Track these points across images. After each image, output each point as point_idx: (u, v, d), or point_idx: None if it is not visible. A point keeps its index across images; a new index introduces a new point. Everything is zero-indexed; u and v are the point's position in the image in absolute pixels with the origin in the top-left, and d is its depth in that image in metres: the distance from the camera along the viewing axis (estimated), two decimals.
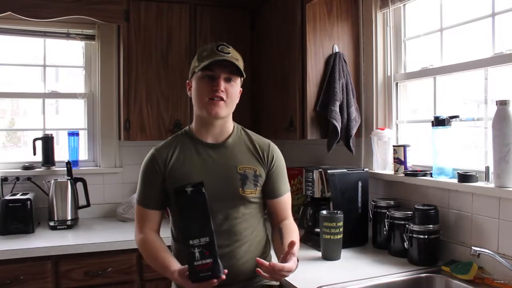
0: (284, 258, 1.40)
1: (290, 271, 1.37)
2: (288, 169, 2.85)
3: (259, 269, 1.35)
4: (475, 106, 2.03)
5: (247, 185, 1.57)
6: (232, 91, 1.56)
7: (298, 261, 1.42)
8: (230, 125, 1.66)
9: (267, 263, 1.34)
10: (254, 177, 1.59)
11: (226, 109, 1.56)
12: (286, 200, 1.70)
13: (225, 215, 1.55)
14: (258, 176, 1.60)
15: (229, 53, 1.53)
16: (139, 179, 1.63)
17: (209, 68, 1.51)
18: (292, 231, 1.60)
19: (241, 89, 1.63)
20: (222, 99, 1.52)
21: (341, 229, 1.97)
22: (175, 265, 1.45)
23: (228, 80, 1.54)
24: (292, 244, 1.40)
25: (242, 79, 1.61)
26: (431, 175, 2.02)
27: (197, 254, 1.35)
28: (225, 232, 1.54)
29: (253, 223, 1.62)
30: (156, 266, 1.52)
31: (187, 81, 1.65)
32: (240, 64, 1.55)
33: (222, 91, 1.52)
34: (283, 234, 1.57)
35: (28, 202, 2.48)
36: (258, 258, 1.36)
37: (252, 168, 1.60)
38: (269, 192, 1.65)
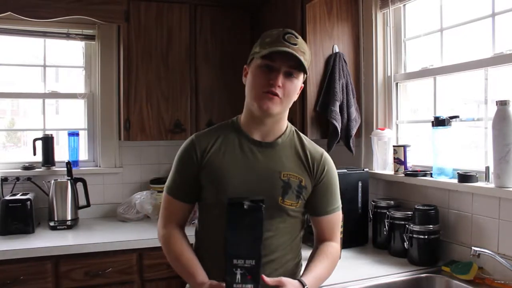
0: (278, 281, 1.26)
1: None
2: None
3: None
4: (475, 106, 2.03)
5: (289, 195, 1.38)
6: (291, 87, 1.36)
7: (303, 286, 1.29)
8: (283, 125, 1.46)
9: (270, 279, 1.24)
10: (298, 187, 1.40)
11: (281, 106, 1.36)
12: (332, 220, 1.48)
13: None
14: (303, 188, 1.41)
15: (295, 44, 1.33)
16: (173, 165, 1.46)
17: (270, 58, 1.32)
18: (325, 254, 1.42)
19: (303, 85, 1.44)
20: (277, 95, 1.33)
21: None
22: (202, 275, 1.32)
23: (288, 74, 1.35)
24: (278, 282, 1.25)
25: (306, 75, 1.42)
26: (431, 175, 2.02)
27: (238, 276, 1.22)
28: None
29: (286, 239, 1.42)
30: (178, 270, 1.39)
31: (245, 66, 1.45)
32: (306, 58, 1.36)
33: (279, 86, 1.33)
34: (313, 255, 1.42)
35: (28, 202, 2.48)
36: (263, 276, 1.23)
37: (298, 177, 1.40)
38: (313, 208, 1.45)
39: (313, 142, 1.51)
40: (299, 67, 1.34)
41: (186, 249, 1.40)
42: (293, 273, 1.45)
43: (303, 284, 1.28)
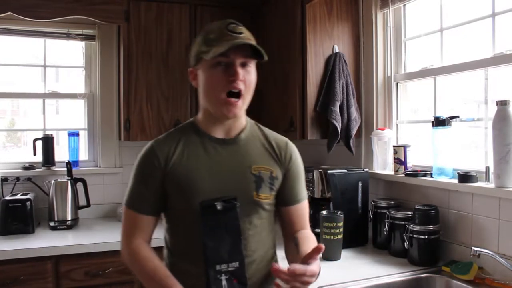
0: (304, 261, 1.14)
1: (313, 275, 1.13)
2: None
3: (277, 281, 1.11)
4: (475, 106, 2.03)
5: (262, 189, 1.33)
6: (251, 78, 1.31)
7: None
8: (243, 118, 1.41)
9: (285, 269, 1.09)
10: (270, 179, 1.36)
11: (244, 105, 1.32)
12: (304, 207, 1.45)
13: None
14: (275, 179, 1.37)
15: (241, 33, 1.27)
16: (132, 176, 1.36)
17: (222, 54, 1.24)
18: (309, 239, 1.36)
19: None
20: (240, 91, 1.27)
21: (341, 230, 1.97)
22: None
23: (243, 65, 1.28)
24: (318, 248, 1.13)
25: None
26: (431, 175, 2.01)
27: (224, 282, 1.17)
28: None
29: (264, 236, 1.38)
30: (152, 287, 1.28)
31: (190, 68, 1.37)
32: (254, 43, 1.30)
33: (241, 80, 1.26)
34: (299, 242, 1.33)
35: (28, 202, 2.48)
36: (275, 264, 1.13)
37: (268, 169, 1.36)
38: (285, 198, 1.41)
39: (273, 132, 1.47)
40: (252, 54, 1.28)
41: (159, 266, 1.29)
42: None
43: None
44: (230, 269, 1.19)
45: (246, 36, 1.28)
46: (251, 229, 1.33)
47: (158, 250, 1.38)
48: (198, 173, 1.31)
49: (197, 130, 1.38)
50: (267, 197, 1.35)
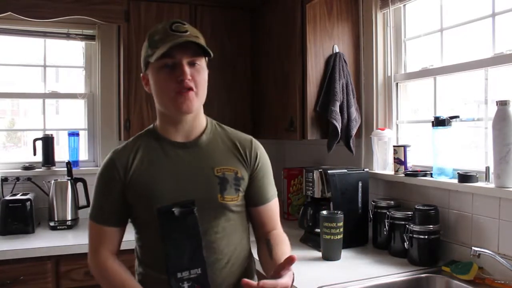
0: (276, 273, 1.11)
1: None
2: (288, 169, 2.89)
3: None
4: (475, 106, 2.03)
5: (227, 191, 1.30)
6: (200, 77, 1.27)
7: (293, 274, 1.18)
8: (203, 119, 1.38)
9: (255, 283, 1.08)
10: (235, 180, 1.32)
11: (197, 100, 1.28)
12: (274, 207, 1.43)
13: (202, 230, 1.26)
14: (240, 179, 1.33)
15: (186, 31, 1.24)
16: (94, 189, 1.35)
17: (167, 55, 1.22)
18: (282, 242, 1.34)
19: (207, 70, 1.34)
20: (191, 89, 1.24)
21: (341, 229, 1.97)
22: None
23: (192, 64, 1.25)
24: (290, 259, 1.10)
25: (207, 60, 1.32)
26: (431, 175, 2.01)
27: None
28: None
29: (235, 238, 1.35)
30: None
31: (141, 74, 1.37)
32: (202, 42, 1.26)
33: (189, 79, 1.23)
34: (272, 246, 1.31)
35: (28, 202, 2.48)
36: (245, 279, 1.08)
37: (232, 170, 1.33)
38: (253, 198, 1.38)
39: (237, 131, 1.44)
40: (200, 52, 1.26)
41: (128, 279, 1.28)
42: (249, 271, 1.40)
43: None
44: (192, 276, 1.16)
45: (192, 34, 1.25)
46: (219, 232, 1.30)
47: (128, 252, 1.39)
48: (159, 179, 1.28)
49: (156, 136, 1.35)
50: (233, 199, 1.31)
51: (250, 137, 1.43)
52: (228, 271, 1.31)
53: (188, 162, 1.31)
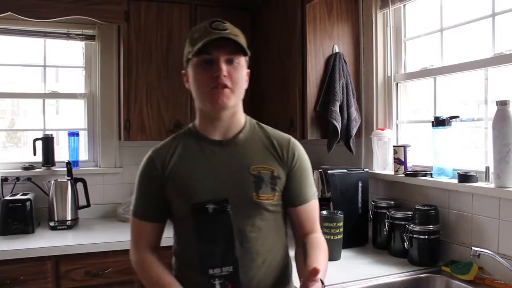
0: (304, 284, 1.11)
1: None
2: None
3: None
4: (475, 106, 2.03)
5: (263, 189, 1.29)
6: (237, 75, 1.27)
7: (323, 284, 1.15)
8: (241, 117, 1.38)
9: None
10: (271, 179, 1.31)
11: (234, 97, 1.28)
12: (312, 208, 1.40)
13: (236, 227, 1.25)
14: (276, 178, 1.32)
15: (226, 29, 1.26)
16: (135, 186, 1.38)
17: (205, 51, 1.23)
18: (318, 248, 1.31)
19: (248, 70, 1.36)
20: (226, 86, 1.25)
21: (341, 229, 1.97)
22: None
23: (230, 62, 1.26)
24: (314, 271, 1.09)
25: (247, 59, 1.33)
26: (431, 175, 2.01)
27: (217, 287, 1.15)
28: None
29: (272, 238, 1.33)
30: None
31: (183, 71, 1.37)
32: (242, 40, 1.27)
33: (225, 76, 1.24)
34: (307, 251, 1.29)
35: (28, 202, 2.48)
36: None
37: (269, 169, 1.32)
38: (291, 198, 1.36)
39: (277, 130, 1.43)
40: (238, 50, 1.26)
41: (163, 273, 1.29)
42: (286, 274, 1.39)
43: (323, 283, 1.16)
44: (223, 273, 1.16)
45: (231, 32, 1.26)
46: (255, 231, 1.29)
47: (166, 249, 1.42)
48: (196, 176, 1.30)
49: (194, 134, 1.37)
50: (269, 198, 1.30)
51: (288, 136, 1.41)
52: (263, 272, 1.30)
53: (224, 160, 1.32)
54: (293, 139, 1.40)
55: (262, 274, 1.30)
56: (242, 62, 1.30)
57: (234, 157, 1.33)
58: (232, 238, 1.20)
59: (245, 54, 1.28)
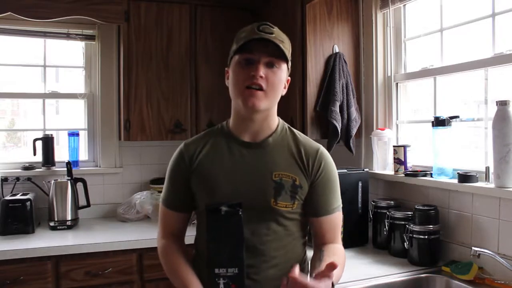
0: (316, 276, 1.11)
1: None
2: None
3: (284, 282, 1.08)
4: (475, 106, 2.03)
5: (282, 197, 1.29)
6: (275, 78, 1.28)
7: (333, 286, 1.14)
8: (274, 121, 1.38)
9: (295, 275, 1.05)
10: (292, 187, 1.30)
11: (266, 100, 1.28)
12: (335, 219, 1.39)
13: (252, 229, 1.28)
14: (298, 187, 1.31)
15: (272, 33, 1.26)
16: (166, 176, 1.44)
17: (248, 50, 1.26)
18: (336, 255, 1.31)
19: (289, 78, 1.37)
20: (260, 87, 1.26)
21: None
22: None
23: (270, 65, 1.27)
24: (331, 265, 1.08)
25: (289, 66, 1.34)
26: (431, 175, 2.02)
27: (221, 286, 1.17)
28: (250, 249, 1.27)
29: (288, 243, 1.34)
30: (176, 283, 1.32)
31: (226, 68, 1.38)
32: (286, 46, 1.28)
33: (261, 77, 1.25)
34: (324, 255, 1.28)
35: (28, 202, 2.48)
36: (293, 269, 1.06)
37: (291, 177, 1.31)
38: (313, 209, 1.35)
39: (309, 138, 1.43)
40: (280, 55, 1.27)
41: (182, 262, 1.34)
42: None
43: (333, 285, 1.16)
44: (229, 274, 1.19)
45: (276, 36, 1.27)
46: (270, 234, 1.30)
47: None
48: (220, 174, 1.33)
49: (226, 133, 1.39)
50: (287, 206, 1.30)
51: (318, 145, 1.40)
52: (275, 273, 1.30)
53: (249, 162, 1.34)
54: (322, 149, 1.39)
55: (274, 273, 1.30)
56: (283, 67, 1.31)
57: (259, 161, 1.34)
58: (241, 241, 1.21)
59: (286, 60, 1.29)
